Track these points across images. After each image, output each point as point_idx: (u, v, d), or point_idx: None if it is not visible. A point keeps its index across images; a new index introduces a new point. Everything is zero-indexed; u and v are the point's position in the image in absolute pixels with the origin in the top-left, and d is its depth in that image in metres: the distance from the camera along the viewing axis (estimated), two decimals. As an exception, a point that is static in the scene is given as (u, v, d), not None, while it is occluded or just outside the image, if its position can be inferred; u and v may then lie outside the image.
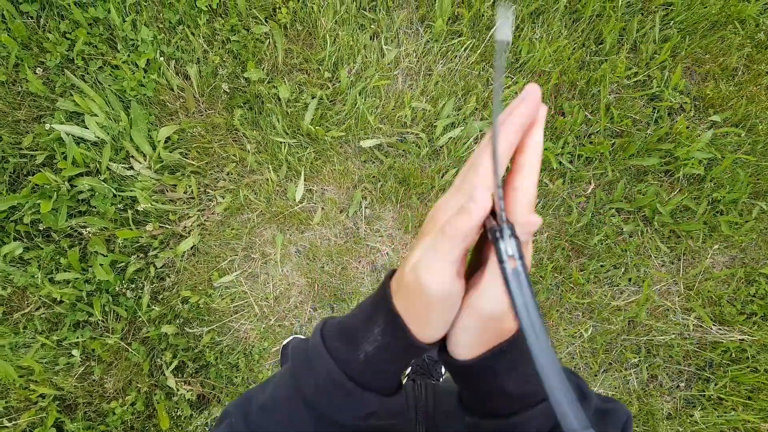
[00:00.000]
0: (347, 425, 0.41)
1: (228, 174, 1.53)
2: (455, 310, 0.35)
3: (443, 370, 1.47)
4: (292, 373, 0.42)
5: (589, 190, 1.55)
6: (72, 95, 1.49)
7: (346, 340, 0.40)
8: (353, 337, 0.39)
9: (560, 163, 1.53)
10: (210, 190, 1.52)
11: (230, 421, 0.43)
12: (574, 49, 1.56)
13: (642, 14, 1.60)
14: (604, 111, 1.54)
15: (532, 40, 1.54)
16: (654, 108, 1.58)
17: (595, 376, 1.51)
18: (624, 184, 1.54)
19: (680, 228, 1.54)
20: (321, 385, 0.40)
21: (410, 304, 0.36)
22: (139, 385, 1.47)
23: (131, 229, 1.48)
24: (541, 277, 1.52)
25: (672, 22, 1.58)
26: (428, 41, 1.56)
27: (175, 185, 1.51)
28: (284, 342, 1.50)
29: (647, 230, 1.54)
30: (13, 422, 1.44)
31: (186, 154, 1.52)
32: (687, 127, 1.54)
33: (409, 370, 1.48)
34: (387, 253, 1.54)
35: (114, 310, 1.48)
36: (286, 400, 0.42)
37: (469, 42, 1.54)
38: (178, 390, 1.46)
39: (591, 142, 1.55)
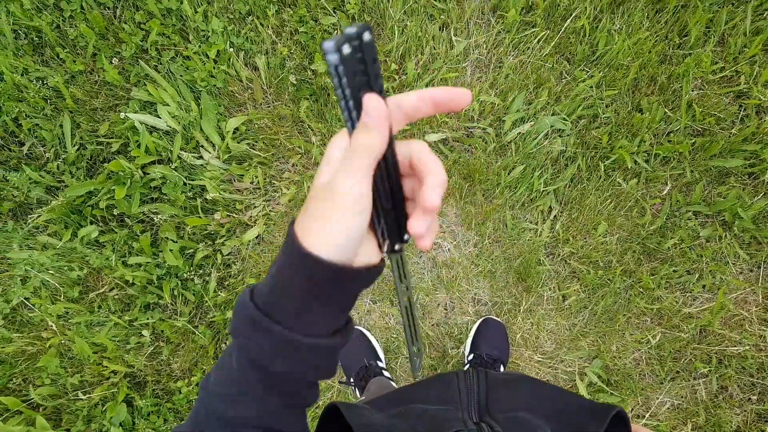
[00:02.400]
0: (272, 366, 0.38)
1: (293, 165, 1.54)
2: (360, 221, 0.34)
3: (502, 368, 1.46)
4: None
5: (665, 192, 1.48)
6: (146, 85, 1.53)
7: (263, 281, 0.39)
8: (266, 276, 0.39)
9: (635, 162, 1.47)
10: (275, 181, 1.54)
11: (196, 405, 0.43)
12: (655, 41, 1.48)
13: (732, 4, 1.49)
14: (686, 108, 1.46)
15: (611, 31, 1.47)
16: (740, 106, 1.48)
17: (661, 384, 1.46)
18: (703, 185, 1.46)
19: (762, 234, 1.45)
20: (237, 321, 0.39)
21: (314, 213, 0.35)
22: (205, 367, 1.53)
23: (200, 217, 1.52)
24: (609, 280, 1.47)
25: (766, 12, 1.47)
26: (500, 32, 1.51)
27: (242, 175, 1.53)
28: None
29: (726, 235, 1.46)
30: (87, 395, 1.52)
31: (253, 145, 1.54)
32: (776, 127, 1.44)
33: (467, 367, 1.47)
34: (448, 249, 1.52)
35: (182, 294, 1.53)
36: (227, 356, 0.41)
37: (542, 33, 1.48)
38: (241, 374, 1.51)
39: (669, 141, 1.48)
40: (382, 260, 0.41)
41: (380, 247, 0.39)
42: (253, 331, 0.38)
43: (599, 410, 0.51)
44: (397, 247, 0.40)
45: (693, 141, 1.47)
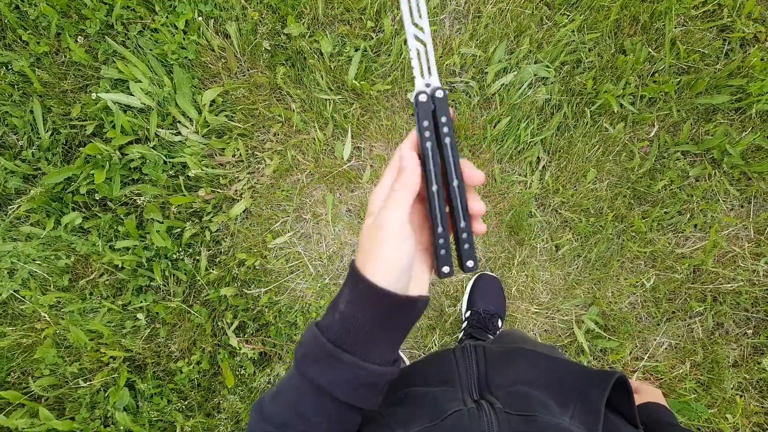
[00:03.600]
0: (342, 395, 0.43)
1: (275, 135, 1.51)
2: (407, 248, 0.42)
3: (500, 323, 1.46)
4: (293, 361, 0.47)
5: (653, 133, 1.47)
6: (115, 62, 1.47)
7: (329, 309, 0.45)
8: (332, 304, 0.45)
9: (621, 105, 1.45)
10: (258, 152, 1.51)
11: (249, 423, 0.48)
12: (635, -21, 1.44)
13: (712, -65, 1.45)
14: (669, 46, 1.43)
15: (590, -28, 1.43)
16: (724, 40, 1.46)
17: (658, 325, 1.48)
18: (690, 124, 1.44)
19: (752, 169, 1.44)
20: (307, 353, 0.44)
21: (368, 248, 0.42)
22: (203, 345, 1.52)
23: (184, 195, 1.49)
24: (601, 226, 1.46)
25: (747, -59, 1.43)
26: (476, -19, 1.46)
27: (224, 149, 1.50)
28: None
29: (715, 173, 1.46)
30: (88, 382, 1.52)
31: (231, 116, 1.50)
32: (762, 59, 1.42)
33: (465, 324, 1.47)
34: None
35: (174, 275, 1.51)
36: (287, 380, 0.47)
37: (520, -21, 1.44)
38: (240, 349, 1.51)
39: (655, 82, 1.45)
40: (427, 294, 0.47)
41: (435, 270, 0.47)
42: (325, 362, 0.43)
43: (600, 377, 0.51)
44: (446, 270, 0.46)
45: (678, 80, 1.45)
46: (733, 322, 1.47)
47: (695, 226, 1.47)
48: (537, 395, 0.51)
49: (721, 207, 1.47)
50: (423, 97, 0.44)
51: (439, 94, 0.45)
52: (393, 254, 0.41)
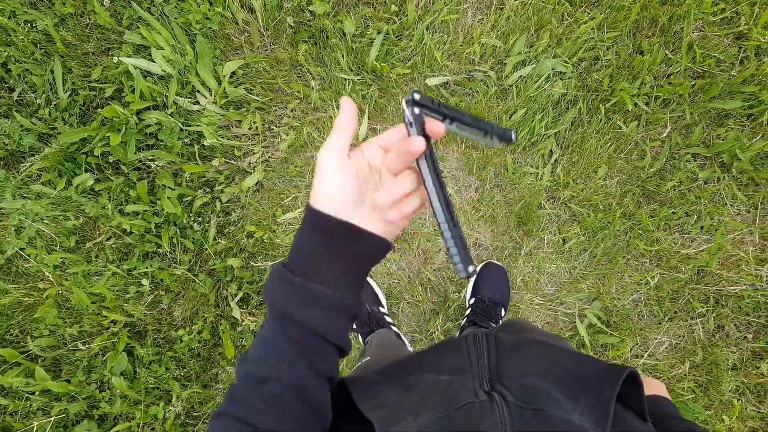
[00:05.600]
0: (296, 314, 0.47)
1: (292, 110, 1.52)
2: (340, 179, 0.46)
3: (503, 312, 1.47)
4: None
5: (665, 134, 1.49)
6: (139, 28, 1.49)
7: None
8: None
9: (635, 104, 1.47)
10: (274, 127, 1.52)
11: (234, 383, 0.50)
12: (657, -18, 1.47)
13: (733, -55, 1.48)
14: (686, 50, 1.46)
15: (612, -29, 1.46)
16: (740, 47, 1.49)
17: (660, 324, 1.48)
18: (702, 127, 1.47)
19: (760, 175, 1.46)
20: (269, 284, 0.48)
21: (313, 185, 0.48)
22: (206, 315, 1.52)
23: (198, 164, 1.49)
24: (609, 222, 1.48)
25: (767, -48, 1.46)
26: (501, -27, 1.48)
27: (240, 121, 1.51)
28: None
29: (724, 177, 1.48)
30: (87, 346, 1.51)
31: (251, 90, 1.51)
32: (775, 69, 1.45)
33: (468, 311, 1.47)
34: (450, 194, 1.52)
35: (181, 242, 1.51)
36: (262, 329, 0.49)
37: (544, -26, 1.46)
38: (242, 321, 1.51)
39: (670, 83, 1.48)
40: (387, 241, 0.51)
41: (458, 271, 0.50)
42: (279, 284, 0.47)
43: (612, 371, 0.51)
44: (471, 269, 0.50)
45: (693, 83, 1.47)
46: (734, 325, 1.48)
47: (702, 228, 1.48)
48: (548, 388, 0.51)
49: (728, 211, 1.48)
50: (416, 110, 0.49)
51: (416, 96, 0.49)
52: (329, 185, 0.46)
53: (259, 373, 0.47)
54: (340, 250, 0.48)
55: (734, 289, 1.47)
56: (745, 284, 1.47)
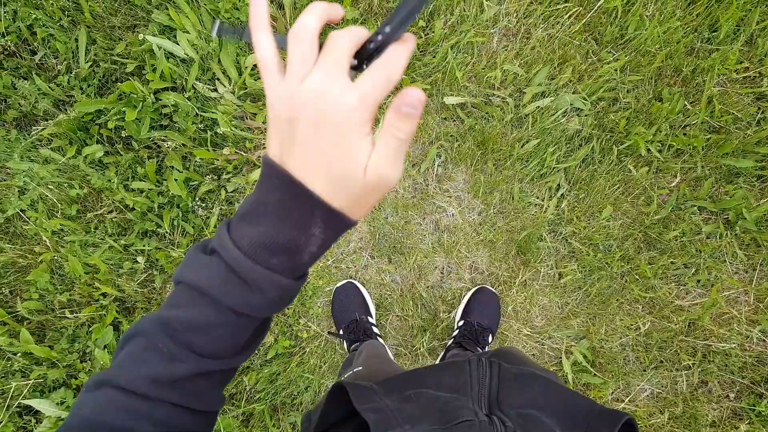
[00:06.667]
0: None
1: (308, 110, 1.52)
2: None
3: (490, 338, 1.47)
4: (219, 300, 0.38)
5: (674, 183, 1.49)
6: (167, 9, 1.49)
7: (286, 253, 0.37)
8: (295, 246, 0.37)
9: (649, 150, 1.47)
10: (288, 124, 1.52)
11: (149, 339, 0.40)
12: (685, 32, 1.47)
13: (766, 5, 1.49)
14: (706, 103, 1.46)
15: (643, 17, 1.46)
16: (759, 108, 1.49)
17: (644, 371, 1.48)
18: (712, 182, 1.47)
19: (763, 237, 1.46)
20: (275, 303, 0.39)
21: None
22: (195, 302, 1.52)
23: (209, 150, 1.50)
24: (607, 263, 1.48)
25: (799, 17, 1.47)
26: (532, 2, 1.49)
27: (255, 114, 1.51)
28: (337, 285, 1.52)
29: (727, 234, 1.48)
30: (75, 315, 1.51)
31: (270, 84, 1.51)
32: (792, 134, 1.45)
33: (456, 333, 1.47)
34: (453, 214, 1.52)
35: (182, 226, 1.52)
36: (210, 318, 0.39)
37: (574, 9, 1.47)
38: (231, 312, 1.51)
39: (685, 134, 1.48)
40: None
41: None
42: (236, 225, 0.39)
43: (610, 416, 0.52)
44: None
45: (708, 137, 1.48)
46: (718, 382, 1.48)
47: (698, 281, 1.48)
48: (546, 422, 0.52)
49: (726, 268, 1.48)
50: None
51: None
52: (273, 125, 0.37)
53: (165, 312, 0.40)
54: (279, 209, 0.37)
55: (723, 346, 1.47)
56: (734, 343, 1.47)
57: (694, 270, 1.48)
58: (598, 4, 1.46)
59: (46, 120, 1.53)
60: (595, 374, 1.48)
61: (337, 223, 0.37)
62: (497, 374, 0.62)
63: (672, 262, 1.48)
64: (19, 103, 1.52)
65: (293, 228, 0.37)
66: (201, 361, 0.40)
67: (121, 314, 1.51)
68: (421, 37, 1.49)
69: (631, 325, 1.48)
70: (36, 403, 1.45)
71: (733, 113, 1.47)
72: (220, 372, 0.42)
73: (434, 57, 1.49)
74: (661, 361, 1.48)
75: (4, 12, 1.50)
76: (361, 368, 1.11)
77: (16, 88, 1.52)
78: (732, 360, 1.46)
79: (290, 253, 0.37)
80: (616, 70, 1.47)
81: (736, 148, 1.46)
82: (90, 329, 1.51)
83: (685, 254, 1.48)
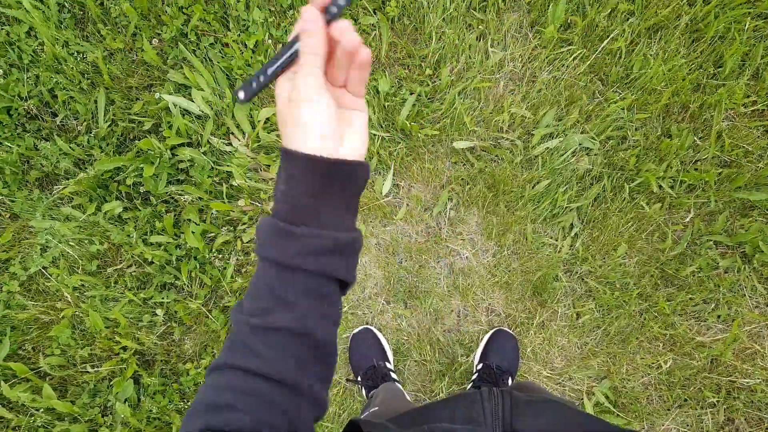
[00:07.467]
0: (310, 266, 0.43)
1: (320, 160, 1.55)
2: (323, 109, 0.41)
3: (510, 380, 1.46)
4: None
5: (688, 219, 1.49)
6: (182, 68, 1.55)
7: (274, 197, 0.45)
8: (275, 191, 0.45)
9: (660, 187, 1.47)
10: (301, 174, 1.55)
11: (231, 326, 0.46)
12: (690, 69, 1.49)
13: (769, 40, 1.50)
14: (715, 138, 1.47)
15: (647, 56, 1.48)
16: (769, 141, 1.49)
17: (668, 410, 1.46)
18: (726, 216, 1.46)
19: (782, 270, 1.45)
20: (264, 239, 0.44)
21: (288, 121, 0.42)
22: (215, 351, 1.53)
23: (224, 202, 1.53)
24: (625, 301, 1.47)
25: (803, 51, 1.48)
26: (536, 47, 1.52)
27: (269, 165, 1.55)
28: (354, 331, 1.52)
29: (745, 268, 1.47)
30: (95, 369, 1.53)
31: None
32: (804, 165, 1.45)
33: (475, 376, 1.47)
34: (467, 257, 1.53)
35: (199, 277, 1.54)
36: (255, 279, 0.45)
37: (579, 52, 1.49)
38: (250, 362, 1.51)
39: (696, 169, 1.48)
40: (365, 161, 0.46)
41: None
42: (284, 240, 0.43)
43: None
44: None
45: (720, 171, 1.48)
46: (745, 419, 1.45)
47: (719, 316, 1.47)
48: None
49: (746, 302, 1.47)
50: None
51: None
52: (318, 121, 0.41)
53: (264, 322, 0.43)
54: (341, 192, 0.44)
55: (748, 382, 1.44)
56: (759, 378, 1.44)
57: (713, 305, 1.47)
58: (602, 45, 1.49)
59: (67, 179, 1.58)
60: (618, 414, 1.45)
61: (285, 155, 0.43)
62: (509, 403, 0.62)
63: (690, 298, 1.47)
64: (41, 164, 1.57)
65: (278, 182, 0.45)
66: None
67: (141, 367, 1.53)
68: (429, 85, 1.53)
69: (653, 363, 1.47)
70: (60, 460, 1.46)
71: (743, 147, 1.48)
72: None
73: (442, 104, 1.52)
74: (685, 400, 1.46)
75: (27, 77, 1.56)
76: (377, 408, 1.11)
77: (38, 149, 1.57)
78: (758, 396, 1.43)
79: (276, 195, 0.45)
80: (623, 108, 1.49)
81: (748, 181, 1.46)
82: (111, 383, 1.53)
83: (704, 289, 1.47)
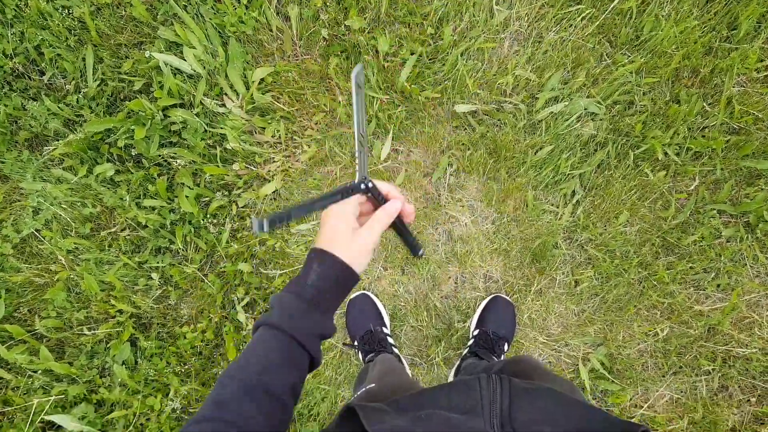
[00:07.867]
0: (308, 344, 0.56)
1: (316, 123, 1.51)
2: (352, 235, 0.60)
3: (506, 347, 1.46)
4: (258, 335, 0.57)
5: (692, 187, 1.46)
6: (173, 25, 1.48)
7: (297, 281, 0.58)
8: (301, 278, 0.59)
9: (666, 154, 1.44)
10: (297, 137, 1.51)
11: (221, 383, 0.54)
12: (703, 32, 1.43)
13: (787, 0, 1.43)
14: (725, 104, 1.42)
15: (658, 16, 1.42)
16: (781, 107, 1.44)
17: (663, 377, 1.47)
18: (732, 185, 1.43)
19: (785, 240, 1.43)
20: (285, 313, 0.55)
21: (341, 241, 0.59)
22: (211, 315, 1.53)
23: (218, 166, 1.49)
24: (624, 269, 1.46)
25: (822, 12, 1.41)
26: (543, 5, 1.45)
27: (264, 128, 1.50)
28: (351, 296, 1.52)
29: (747, 237, 1.44)
30: (92, 331, 1.53)
31: (278, 98, 1.50)
32: (815, 133, 1.41)
33: (471, 342, 1.47)
34: (466, 224, 1.51)
35: (194, 242, 1.52)
36: (254, 347, 0.55)
37: (587, 11, 1.43)
38: (247, 325, 1.52)
39: (704, 136, 1.44)
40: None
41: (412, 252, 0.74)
42: (305, 317, 0.56)
43: (624, 427, 0.51)
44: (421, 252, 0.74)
45: (728, 138, 1.44)
46: (739, 387, 1.46)
47: (718, 285, 1.46)
48: None
49: (747, 272, 1.45)
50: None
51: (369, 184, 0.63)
52: (362, 255, 0.60)
53: (256, 381, 0.52)
54: (344, 292, 0.61)
55: (744, 351, 1.45)
56: (755, 348, 1.44)
57: (713, 274, 1.46)
58: (612, 5, 1.42)
59: (57, 140, 1.54)
60: (612, 381, 1.46)
61: (323, 255, 0.59)
62: (508, 391, 0.62)
63: (691, 267, 1.45)
64: (29, 124, 1.53)
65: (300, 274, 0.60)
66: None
67: (137, 330, 1.53)
68: (430, 45, 1.47)
69: (650, 331, 1.47)
70: (58, 419, 1.47)
71: (753, 114, 1.43)
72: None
73: (443, 65, 1.46)
74: (681, 367, 1.47)
75: (11, 34, 1.50)
76: (373, 385, 1.11)
77: (26, 109, 1.52)
78: (753, 364, 1.44)
79: (296, 283, 0.59)
80: (631, 72, 1.44)
81: (756, 149, 1.42)
82: (108, 345, 1.53)
83: (705, 259, 1.45)
